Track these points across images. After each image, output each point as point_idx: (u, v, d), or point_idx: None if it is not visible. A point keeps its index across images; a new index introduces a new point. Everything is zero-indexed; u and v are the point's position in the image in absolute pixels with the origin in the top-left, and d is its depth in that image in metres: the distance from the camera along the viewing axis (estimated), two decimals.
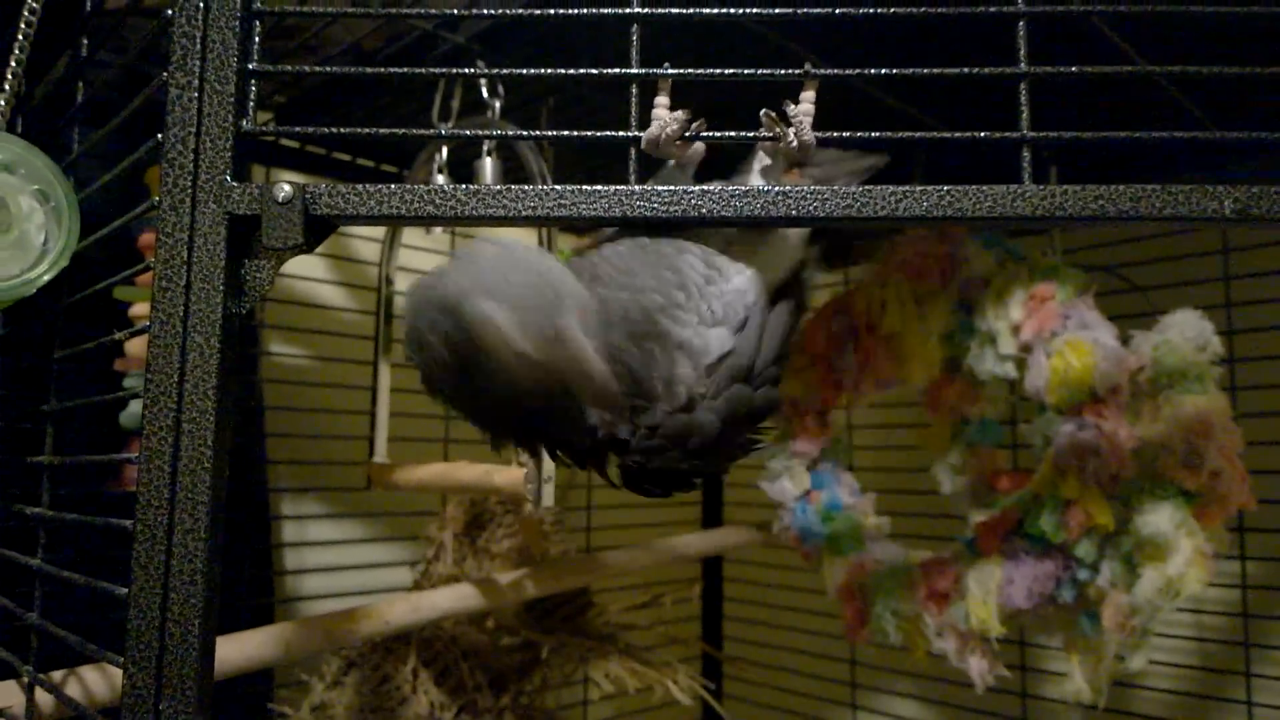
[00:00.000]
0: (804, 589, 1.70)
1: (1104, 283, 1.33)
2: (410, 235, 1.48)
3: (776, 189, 0.58)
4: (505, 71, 0.63)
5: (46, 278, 0.72)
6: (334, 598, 1.49)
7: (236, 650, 0.93)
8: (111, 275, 0.74)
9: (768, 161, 0.75)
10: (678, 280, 0.63)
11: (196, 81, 0.58)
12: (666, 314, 0.62)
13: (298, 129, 0.66)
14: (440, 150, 1.13)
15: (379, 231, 1.35)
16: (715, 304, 0.64)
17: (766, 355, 0.66)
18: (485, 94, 1.06)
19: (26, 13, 0.77)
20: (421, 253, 1.63)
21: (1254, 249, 1.38)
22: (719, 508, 2.02)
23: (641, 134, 0.61)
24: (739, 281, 0.66)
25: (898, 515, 1.47)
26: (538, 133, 0.65)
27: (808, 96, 0.65)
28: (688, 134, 0.64)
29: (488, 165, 1.07)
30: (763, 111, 0.65)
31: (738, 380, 0.64)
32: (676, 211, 0.58)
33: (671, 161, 0.69)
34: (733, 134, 0.65)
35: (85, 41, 0.83)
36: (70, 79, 0.84)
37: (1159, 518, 1.08)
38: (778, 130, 0.64)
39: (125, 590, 0.56)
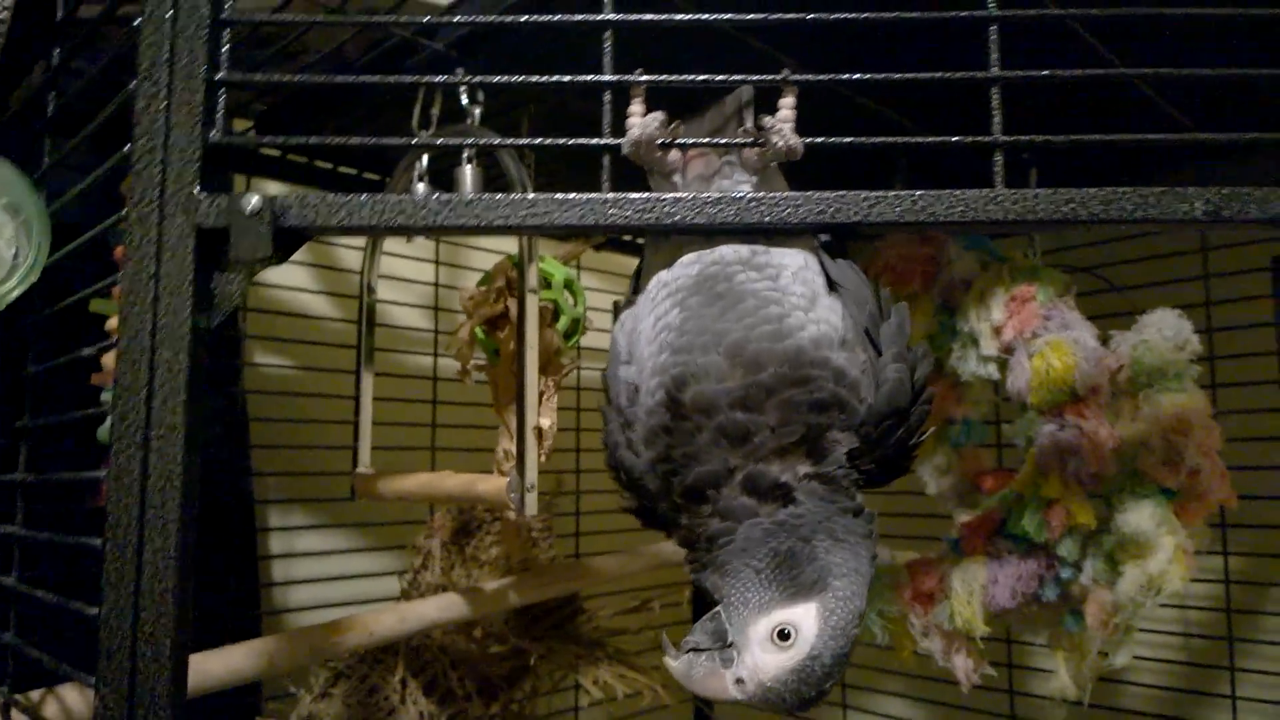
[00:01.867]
0: None
1: (1084, 283, 1.34)
2: (393, 243, 1.48)
3: (750, 195, 0.58)
4: (479, 79, 0.62)
5: (16, 292, 0.71)
6: (323, 608, 1.48)
7: (219, 664, 0.92)
8: (90, 288, 0.73)
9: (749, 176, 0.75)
10: (756, 302, 0.62)
11: (164, 92, 0.58)
12: (782, 335, 0.61)
13: (267, 139, 0.65)
14: (421, 158, 1.12)
15: (361, 239, 1.35)
16: (796, 289, 0.63)
17: (863, 290, 0.65)
18: (465, 101, 1.06)
19: None
20: (405, 260, 1.63)
21: (1232, 248, 1.39)
22: None
23: (615, 141, 0.61)
24: (793, 260, 0.65)
25: (883, 516, 1.47)
26: (512, 140, 0.64)
27: (787, 102, 0.65)
28: (668, 140, 0.64)
29: (468, 173, 1.07)
30: (741, 129, 0.65)
31: (874, 326, 0.63)
32: (650, 219, 0.58)
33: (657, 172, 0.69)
34: (718, 140, 0.65)
35: (57, 50, 0.82)
36: (43, 89, 0.83)
37: (1140, 515, 1.09)
38: (762, 136, 0.64)
39: (96, 610, 0.55)
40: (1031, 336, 1.18)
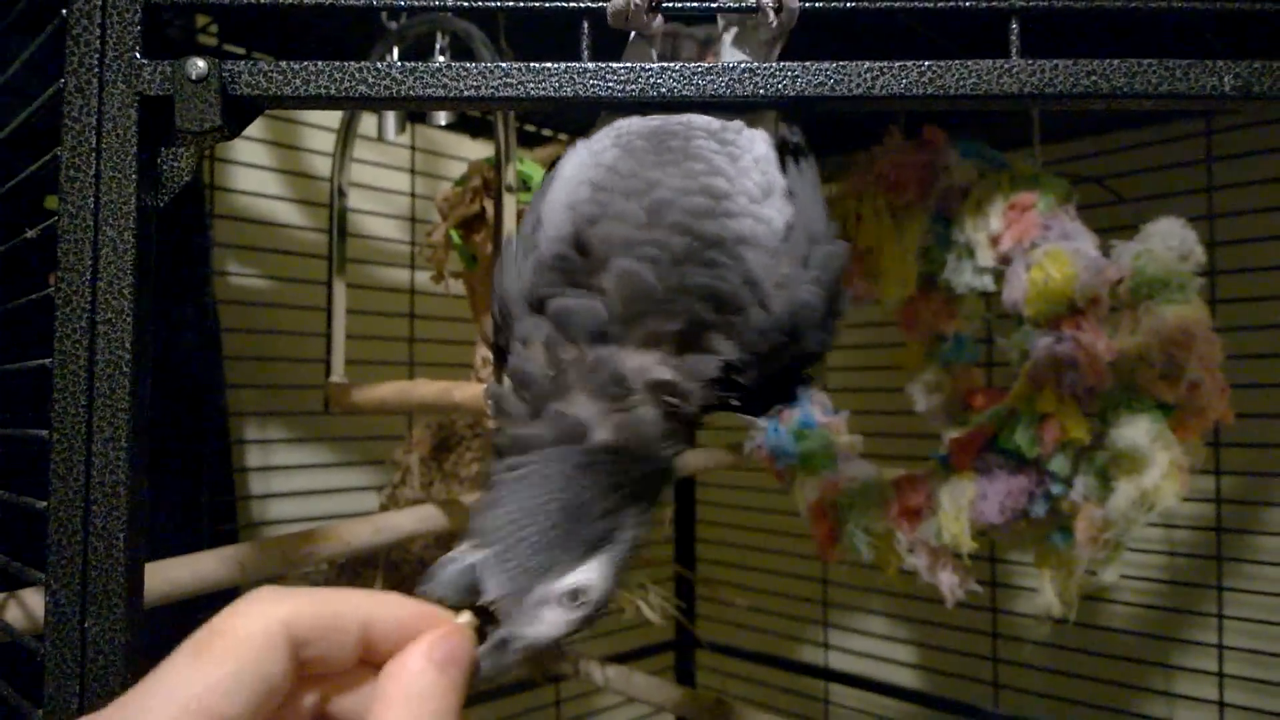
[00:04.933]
0: (776, 509, 1.69)
1: (1086, 196, 1.30)
2: (364, 149, 1.41)
3: (743, 65, 0.53)
4: None
5: None
6: (301, 522, 1.46)
7: (187, 571, 0.89)
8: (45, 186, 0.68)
9: (734, 42, 0.69)
10: (706, 167, 0.55)
11: None
12: (717, 213, 0.54)
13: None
14: (391, 52, 1.06)
15: (331, 143, 1.28)
16: (754, 175, 0.57)
17: (819, 207, 0.59)
18: None
19: None
20: (380, 169, 1.57)
21: (1238, 158, 1.35)
22: None
23: (597, 4, 0.56)
24: (761, 147, 0.58)
25: (871, 435, 1.46)
26: (483, 2, 0.57)
27: None
28: (654, 3, 0.58)
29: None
30: None
31: (816, 243, 0.57)
32: (634, 91, 0.54)
33: (634, 35, 0.63)
34: (708, 4, 0.59)
35: None
36: None
37: (1135, 430, 1.07)
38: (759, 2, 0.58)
39: (44, 504, 0.52)
40: (1030, 246, 1.14)
